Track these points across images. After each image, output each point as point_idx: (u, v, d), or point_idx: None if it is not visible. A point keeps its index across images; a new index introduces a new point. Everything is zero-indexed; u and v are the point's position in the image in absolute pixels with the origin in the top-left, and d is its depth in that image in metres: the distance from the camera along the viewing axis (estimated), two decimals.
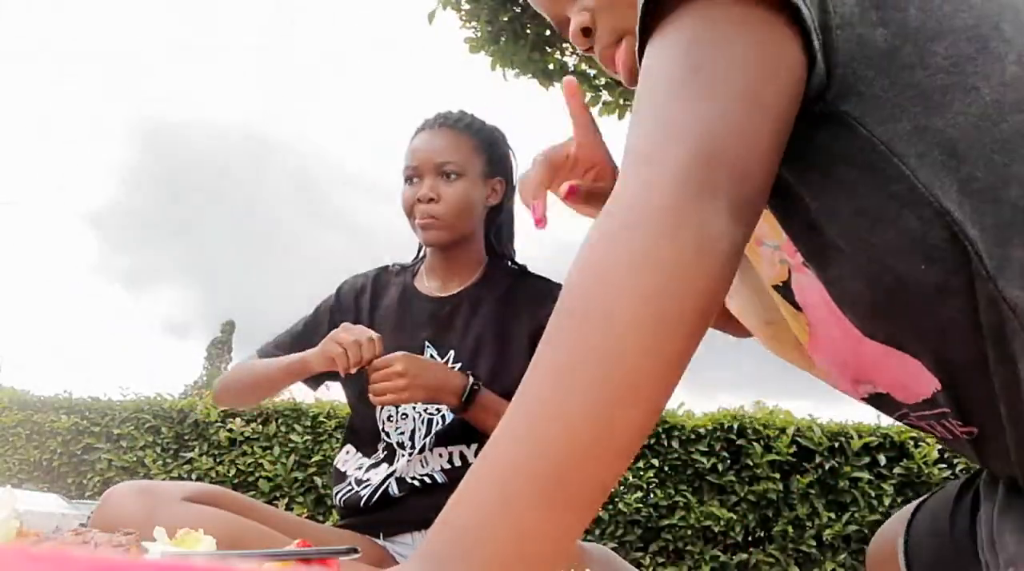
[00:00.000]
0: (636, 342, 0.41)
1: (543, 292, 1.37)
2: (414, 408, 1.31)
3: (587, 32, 0.72)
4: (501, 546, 0.39)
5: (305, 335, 1.42)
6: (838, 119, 0.52)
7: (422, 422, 1.30)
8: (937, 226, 0.51)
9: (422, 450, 1.30)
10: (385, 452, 1.35)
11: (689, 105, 0.48)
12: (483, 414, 1.23)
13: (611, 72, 0.73)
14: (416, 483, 1.28)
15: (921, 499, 0.82)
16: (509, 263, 1.46)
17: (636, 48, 0.55)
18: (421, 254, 1.50)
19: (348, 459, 1.39)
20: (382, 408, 1.34)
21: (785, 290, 0.64)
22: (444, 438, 1.30)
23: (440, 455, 1.31)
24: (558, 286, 1.42)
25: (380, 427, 1.34)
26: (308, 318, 1.47)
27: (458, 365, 1.32)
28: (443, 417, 1.30)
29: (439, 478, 1.28)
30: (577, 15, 0.72)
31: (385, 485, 1.29)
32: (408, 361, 1.20)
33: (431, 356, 1.34)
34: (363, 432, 1.38)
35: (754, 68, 0.48)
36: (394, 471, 1.30)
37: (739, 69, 0.48)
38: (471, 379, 1.24)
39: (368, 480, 1.32)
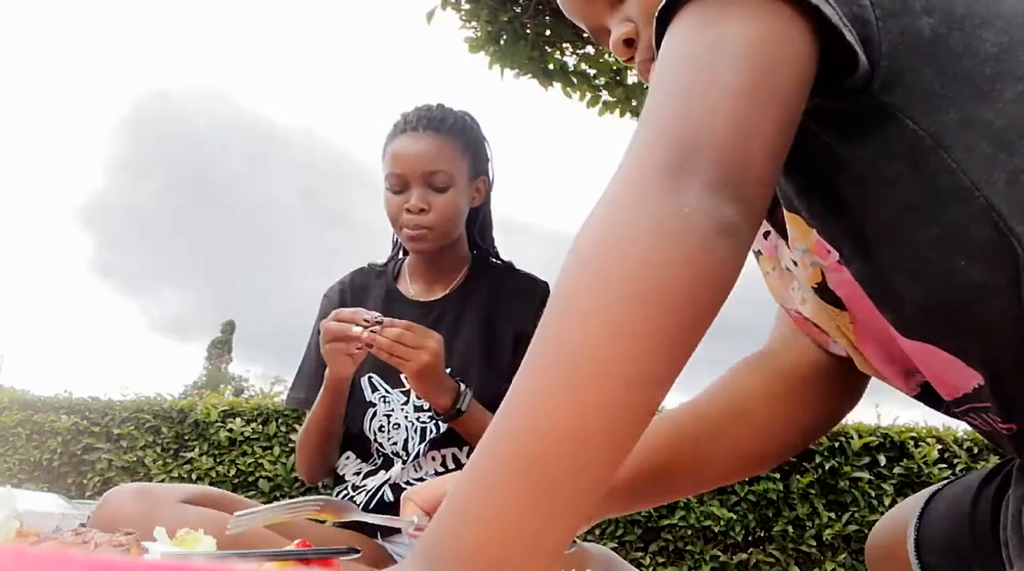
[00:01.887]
0: (606, 327, 0.41)
1: (529, 292, 1.36)
2: (406, 417, 1.30)
3: (629, 43, 0.71)
4: (489, 539, 0.39)
5: (320, 367, 1.37)
6: (884, 112, 0.51)
7: (415, 431, 1.30)
8: (982, 222, 0.50)
9: (416, 456, 1.30)
10: (381, 460, 1.34)
11: (675, 93, 0.48)
12: (472, 423, 1.22)
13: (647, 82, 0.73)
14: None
15: (936, 487, 0.81)
16: (493, 259, 1.43)
17: (652, 44, 0.55)
18: (399, 253, 1.46)
19: (347, 464, 1.39)
20: (373, 417, 1.32)
21: (822, 291, 0.64)
22: (436, 442, 1.30)
23: (433, 458, 1.31)
24: (544, 284, 1.41)
25: (371, 437, 1.33)
26: (310, 349, 1.42)
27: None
28: (436, 426, 1.30)
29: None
30: (619, 26, 0.71)
31: (380, 493, 1.29)
32: (439, 346, 1.16)
33: None
34: (354, 436, 1.37)
35: (750, 58, 0.47)
36: (388, 478, 1.30)
37: (733, 58, 0.47)
38: (463, 385, 1.22)
39: (364, 486, 1.32)
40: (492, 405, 1.32)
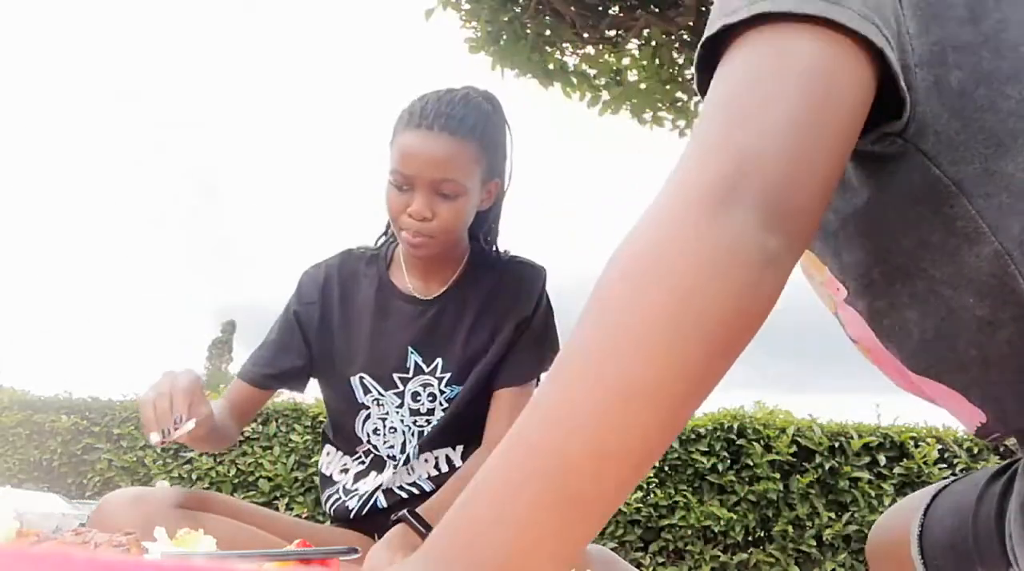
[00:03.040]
0: (648, 351, 0.41)
1: (529, 281, 1.31)
2: (402, 421, 1.27)
3: None
4: (506, 548, 0.39)
5: (283, 344, 1.31)
6: (912, 155, 0.53)
7: (412, 435, 1.27)
8: (994, 264, 0.53)
9: (407, 461, 1.27)
10: (370, 460, 1.30)
11: (728, 116, 0.47)
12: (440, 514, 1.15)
13: None
14: (403, 494, 1.26)
15: (942, 483, 0.82)
16: (491, 250, 1.36)
17: (696, 71, 0.55)
18: (390, 237, 1.36)
19: (331, 461, 1.35)
20: (366, 420, 1.29)
21: (838, 320, 0.67)
22: (430, 444, 1.27)
23: (426, 460, 1.28)
24: (543, 270, 1.36)
25: (364, 438, 1.29)
26: (280, 323, 1.33)
27: (447, 375, 1.27)
28: (428, 423, 1.27)
29: (426, 486, 1.26)
30: None
31: (373, 499, 1.26)
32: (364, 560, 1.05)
33: (415, 363, 1.28)
34: (342, 434, 1.33)
35: (809, 87, 0.47)
36: (381, 483, 1.27)
37: (795, 89, 0.47)
38: (411, 519, 1.13)
39: (356, 490, 1.29)
40: (487, 392, 1.27)
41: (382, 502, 1.26)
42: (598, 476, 0.40)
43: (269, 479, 5.38)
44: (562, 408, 0.41)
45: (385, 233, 1.38)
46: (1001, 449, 4.91)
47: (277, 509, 5.00)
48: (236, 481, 5.47)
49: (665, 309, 0.41)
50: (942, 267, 0.54)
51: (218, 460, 5.61)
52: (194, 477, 5.55)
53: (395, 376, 1.28)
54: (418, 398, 1.27)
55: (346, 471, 1.32)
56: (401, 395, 1.28)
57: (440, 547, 0.40)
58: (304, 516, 5.15)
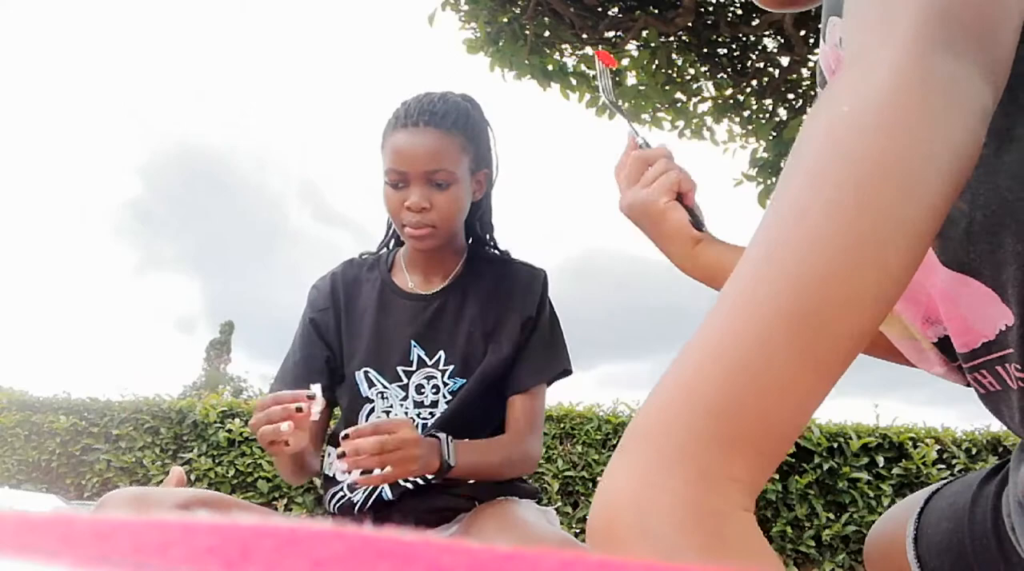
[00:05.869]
0: (886, 184, 0.36)
1: (530, 281, 1.35)
2: (407, 414, 1.28)
3: None
4: (766, 413, 0.32)
5: (310, 358, 1.34)
6: None
7: (416, 426, 1.25)
8: None
9: None
10: None
11: None
12: (466, 467, 1.20)
13: None
14: (409, 486, 1.26)
15: (936, 486, 0.81)
16: (490, 248, 1.42)
17: None
18: (391, 243, 1.43)
19: (332, 463, 1.35)
20: (370, 413, 1.30)
21: None
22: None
23: None
24: (542, 272, 1.40)
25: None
26: (301, 337, 1.37)
27: (450, 368, 1.29)
28: (432, 415, 1.28)
29: (432, 478, 1.24)
30: None
31: (379, 490, 1.27)
32: (413, 430, 1.12)
33: (418, 356, 1.30)
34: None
35: None
36: None
37: None
38: (442, 436, 1.18)
39: (360, 485, 1.28)
40: (493, 389, 1.30)
41: (387, 494, 1.26)
42: (837, 317, 0.34)
43: (268, 480, 5.38)
44: (797, 242, 0.36)
45: (386, 240, 1.43)
46: (999, 449, 4.92)
47: (276, 510, 4.99)
48: (235, 482, 5.47)
49: (898, 144, 0.37)
50: (1006, 154, 0.50)
51: (217, 461, 5.61)
52: (193, 478, 5.55)
53: (399, 369, 1.29)
54: (422, 390, 1.29)
55: (349, 472, 1.32)
56: (405, 387, 1.29)
57: (688, 420, 0.32)
58: (303, 517, 5.13)
